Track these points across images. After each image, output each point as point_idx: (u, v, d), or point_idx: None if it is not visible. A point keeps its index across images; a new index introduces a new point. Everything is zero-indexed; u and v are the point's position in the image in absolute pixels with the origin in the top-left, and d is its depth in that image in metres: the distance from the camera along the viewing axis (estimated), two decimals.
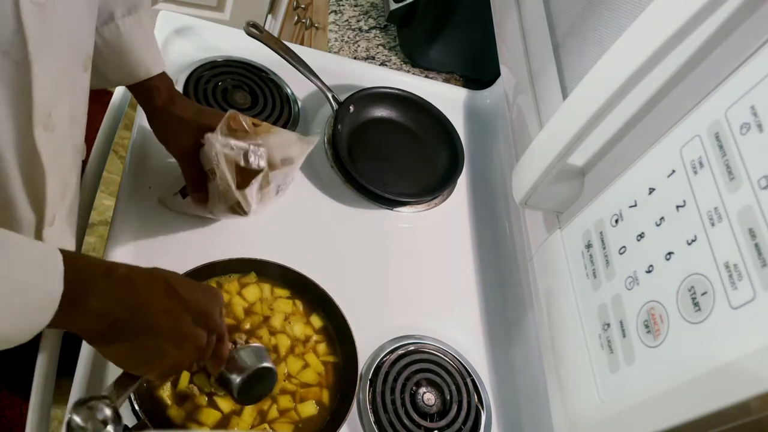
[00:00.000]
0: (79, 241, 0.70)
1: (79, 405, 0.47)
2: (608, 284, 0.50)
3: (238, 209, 0.67)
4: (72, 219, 0.64)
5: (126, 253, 0.68)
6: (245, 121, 0.68)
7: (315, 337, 0.68)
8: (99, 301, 0.44)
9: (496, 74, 0.93)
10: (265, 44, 0.85)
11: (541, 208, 0.61)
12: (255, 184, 0.66)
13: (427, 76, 1.10)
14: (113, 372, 0.61)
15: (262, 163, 0.67)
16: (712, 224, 0.40)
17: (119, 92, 0.86)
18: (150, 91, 0.70)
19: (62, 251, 0.43)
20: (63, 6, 0.48)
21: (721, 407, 0.37)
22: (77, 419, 0.46)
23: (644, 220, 0.47)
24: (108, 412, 0.47)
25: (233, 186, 0.64)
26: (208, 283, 0.67)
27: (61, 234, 0.61)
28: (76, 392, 0.59)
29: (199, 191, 0.69)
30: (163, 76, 0.71)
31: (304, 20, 1.31)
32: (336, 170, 0.86)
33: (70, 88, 0.52)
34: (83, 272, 0.44)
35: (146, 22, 0.68)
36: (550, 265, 0.61)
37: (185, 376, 0.60)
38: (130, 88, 0.72)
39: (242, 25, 0.86)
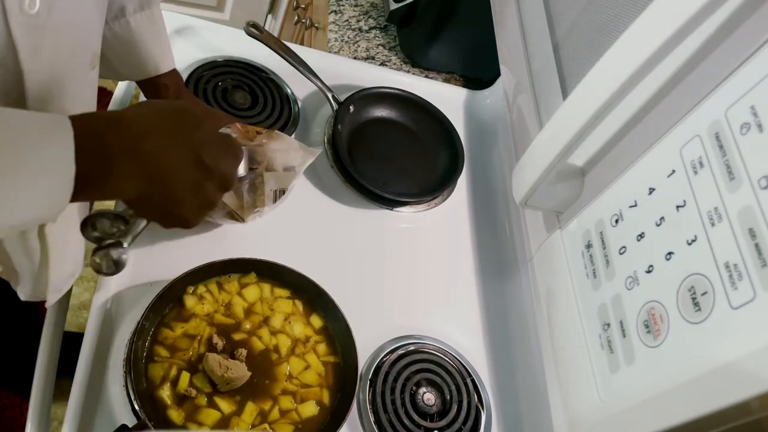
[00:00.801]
0: None
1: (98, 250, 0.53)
2: (608, 284, 0.50)
3: (235, 216, 0.67)
4: (74, 217, 0.64)
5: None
6: (249, 129, 0.68)
7: (315, 338, 0.68)
8: (123, 181, 0.44)
9: (496, 74, 0.93)
10: (265, 44, 0.85)
11: (541, 208, 0.61)
12: (245, 185, 0.66)
13: (427, 76, 1.10)
14: (113, 372, 0.61)
15: (243, 170, 0.64)
16: (712, 224, 0.40)
17: (119, 92, 0.86)
18: (158, 89, 0.70)
19: (74, 123, 0.41)
20: (62, 11, 0.47)
21: (721, 407, 0.37)
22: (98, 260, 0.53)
23: (644, 220, 0.47)
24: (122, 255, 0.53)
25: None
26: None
27: (64, 231, 0.61)
28: (76, 392, 0.59)
29: None
30: (173, 73, 0.72)
31: (304, 20, 1.31)
32: (336, 170, 0.86)
33: (73, 89, 0.52)
34: (102, 154, 0.43)
35: (158, 18, 0.68)
36: (550, 265, 0.61)
37: (185, 376, 0.61)
38: (140, 84, 0.72)
39: (242, 25, 0.86)
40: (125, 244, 0.53)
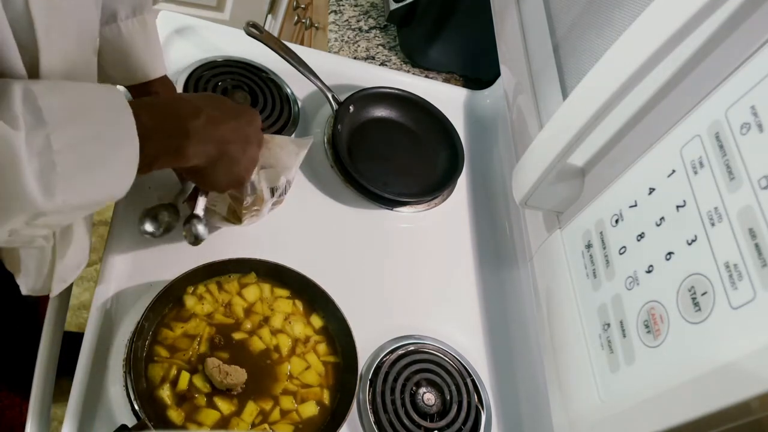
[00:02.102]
0: None
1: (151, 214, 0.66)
2: (608, 284, 0.50)
3: (231, 218, 0.67)
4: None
5: (126, 253, 0.68)
6: None
7: (315, 337, 0.68)
8: (194, 148, 0.54)
9: (496, 74, 0.93)
10: (265, 44, 0.85)
11: (541, 208, 0.61)
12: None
13: (427, 76, 1.10)
14: (113, 373, 0.61)
15: None
16: (712, 224, 0.40)
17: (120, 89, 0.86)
18: (149, 96, 0.70)
19: (139, 104, 0.49)
20: None
21: (721, 407, 0.37)
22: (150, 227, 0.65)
23: (644, 220, 0.47)
24: (200, 227, 0.64)
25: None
26: (209, 287, 0.68)
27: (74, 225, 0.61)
28: (76, 392, 0.59)
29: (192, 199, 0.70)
30: (164, 80, 0.71)
31: (304, 20, 1.31)
32: (336, 170, 0.86)
33: (79, 72, 0.52)
34: (170, 124, 0.52)
35: (150, 25, 0.68)
36: (550, 265, 0.61)
37: (185, 376, 0.61)
38: (130, 90, 0.72)
39: (242, 25, 0.86)
40: (201, 215, 0.65)
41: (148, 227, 0.66)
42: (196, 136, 0.53)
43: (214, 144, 0.56)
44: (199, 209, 0.66)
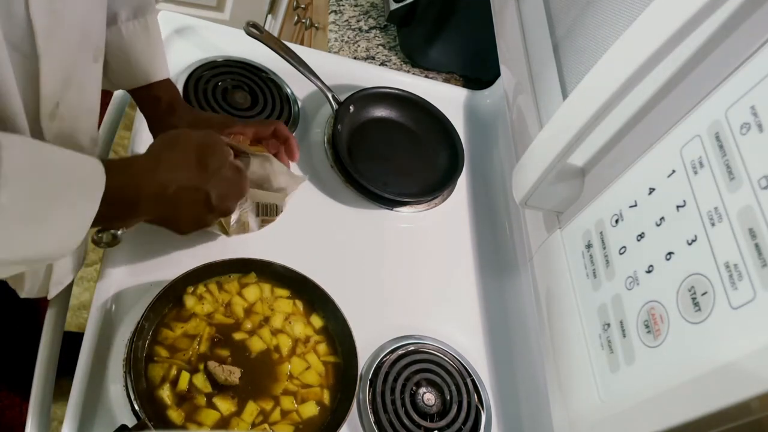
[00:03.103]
0: None
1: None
2: (608, 284, 0.50)
3: (223, 227, 0.68)
4: None
5: (125, 253, 0.68)
6: (241, 143, 0.68)
7: (315, 338, 0.68)
8: (140, 217, 0.55)
9: (496, 74, 0.93)
10: (265, 44, 0.85)
11: (541, 208, 0.61)
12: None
13: (427, 76, 1.10)
14: (113, 374, 0.61)
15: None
16: (712, 224, 0.40)
17: (119, 92, 0.86)
18: (151, 102, 0.70)
19: (107, 167, 0.48)
20: (73, 1, 0.48)
21: (721, 407, 0.37)
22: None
23: (644, 220, 0.47)
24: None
25: None
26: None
27: None
28: (76, 392, 0.59)
29: None
30: (167, 83, 0.71)
31: (304, 20, 1.31)
32: (336, 170, 0.86)
33: (79, 79, 0.53)
34: (131, 201, 0.53)
35: (152, 27, 0.67)
36: (550, 265, 0.61)
37: (185, 376, 0.60)
38: (132, 94, 0.71)
39: (242, 25, 0.86)
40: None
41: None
42: (147, 209, 0.55)
43: (164, 213, 0.57)
44: None
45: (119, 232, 0.62)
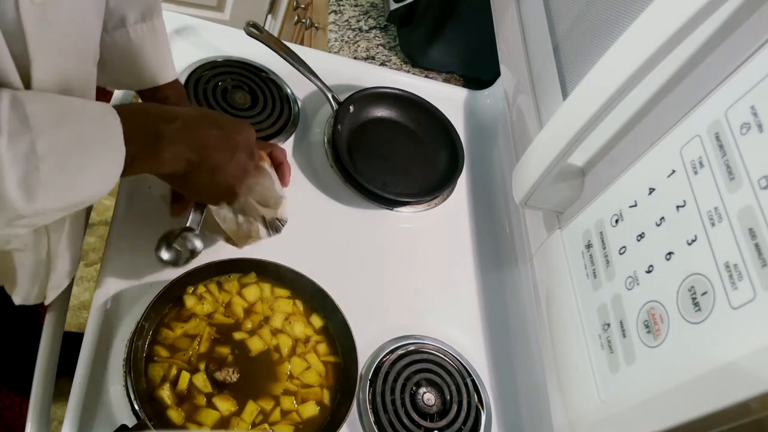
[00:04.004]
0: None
1: (166, 241, 0.64)
2: (608, 284, 0.50)
3: (232, 240, 0.68)
4: (80, 218, 0.64)
5: (126, 253, 0.68)
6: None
7: (315, 338, 0.68)
8: (170, 151, 0.53)
9: (496, 74, 0.93)
10: (265, 44, 0.85)
11: (541, 208, 0.61)
12: (239, 217, 0.67)
13: (427, 76, 1.10)
14: (113, 374, 0.61)
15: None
16: (712, 224, 0.40)
17: (119, 92, 0.86)
18: (158, 102, 0.70)
19: (117, 109, 0.49)
20: (67, 5, 0.48)
21: (721, 407, 0.37)
22: (167, 255, 0.63)
23: (644, 220, 0.47)
24: (195, 241, 0.64)
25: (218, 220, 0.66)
26: (209, 283, 0.68)
27: (69, 227, 0.61)
28: (76, 392, 0.59)
29: (177, 201, 0.71)
30: (174, 85, 0.71)
31: (304, 20, 1.31)
32: (336, 170, 0.86)
33: (75, 82, 0.53)
34: (145, 127, 0.52)
35: (159, 30, 0.68)
36: (550, 265, 0.61)
37: (185, 376, 0.61)
38: (139, 94, 0.71)
39: (242, 25, 0.86)
40: (196, 230, 0.65)
41: (165, 255, 0.64)
42: (171, 138, 0.53)
43: (191, 148, 0.55)
44: (194, 222, 0.65)
45: (196, 241, 0.63)
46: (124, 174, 0.50)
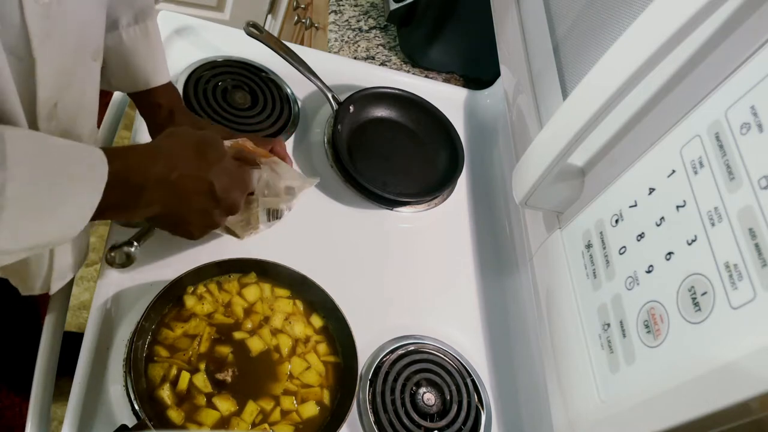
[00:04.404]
0: None
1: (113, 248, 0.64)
2: (608, 284, 0.50)
3: (232, 232, 0.68)
4: None
5: None
6: (257, 152, 0.69)
7: (315, 338, 0.68)
8: (146, 208, 0.53)
9: (496, 74, 0.93)
10: (265, 44, 0.85)
11: (541, 208, 0.61)
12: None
13: (427, 76, 1.10)
14: (113, 374, 0.61)
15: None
16: (712, 224, 0.40)
17: (119, 93, 0.87)
18: (152, 108, 0.70)
19: (107, 155, 0.48)
20: (70, 3, 0.48)
21: (721, 407, 0.37)
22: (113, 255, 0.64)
23: (644, 220, 0.47)
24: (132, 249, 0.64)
25: None
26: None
27: None
28: (76, 392, 0.59)
29: None
30: (168, 91, 0.71)
31: (304, 20, 1.31)
32: (336, 170, 0.86)
33: (77, 79, 0.53)
34: (135, 187, 0.51)
35: (152, 32, 0.67)
36: (550, 265, 0.61)
37: (185, 376, 0.61)
38: (133, 98, 0.71)
39: (242, 25, 0.86)
40: (136, 243, 0.64)
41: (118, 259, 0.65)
42: (149, 197, 0.53)
43: (168, 197, 0.55)
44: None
45: (132, 250, 0.64)
46: (91, 220, 0.49)
